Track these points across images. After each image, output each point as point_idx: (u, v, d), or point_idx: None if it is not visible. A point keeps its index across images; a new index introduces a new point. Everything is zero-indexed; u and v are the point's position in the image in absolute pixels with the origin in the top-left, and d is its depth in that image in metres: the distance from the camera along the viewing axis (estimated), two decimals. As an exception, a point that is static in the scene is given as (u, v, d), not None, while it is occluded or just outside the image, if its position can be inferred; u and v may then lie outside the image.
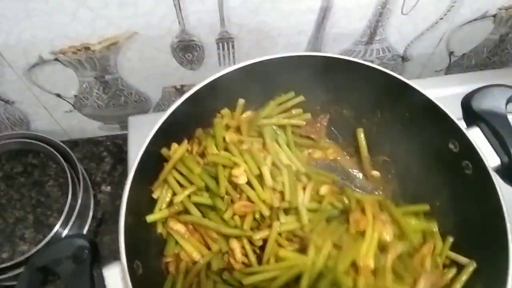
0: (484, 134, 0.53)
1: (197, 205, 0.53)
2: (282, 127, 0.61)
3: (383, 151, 0.64)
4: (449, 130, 0.52)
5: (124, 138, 0.73)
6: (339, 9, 0.67)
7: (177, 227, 0.52)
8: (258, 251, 0.53)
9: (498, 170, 0.50)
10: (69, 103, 0.76)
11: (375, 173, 0.65)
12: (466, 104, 0.56)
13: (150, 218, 0.52)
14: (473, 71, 0.89)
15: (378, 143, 0.64)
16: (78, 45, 0.63)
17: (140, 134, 0.51)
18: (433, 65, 0.88)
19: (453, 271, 0.51)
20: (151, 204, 0.54)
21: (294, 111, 0.62)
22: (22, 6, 0.55)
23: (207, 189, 0.53)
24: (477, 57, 0.88)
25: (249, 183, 0.53)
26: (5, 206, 0.74)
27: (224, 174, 0.53)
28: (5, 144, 0.76)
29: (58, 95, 0.73)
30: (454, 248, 0.52)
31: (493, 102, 0.55)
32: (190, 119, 0.55)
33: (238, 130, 0.58)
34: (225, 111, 0.59)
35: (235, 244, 0.51)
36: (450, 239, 0.53)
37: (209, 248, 0.52)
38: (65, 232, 0.67)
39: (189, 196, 0.53)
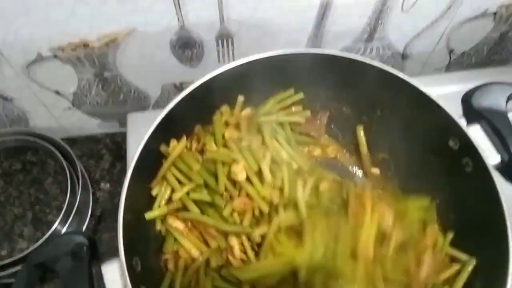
0: (485, 132, 0.53)
1: (196, 202, 0.53)
2: (282, 124, 0.61)
3: (383, 149, 0.64)
4: (449, 128, 0.52)
5: (123, 136, 0.73)
6: (339, 7, 0.67)
7: (176, 224, 0.52)
8: (256, 248, 0.53)
9: (498, 168, 0.50)
10: (68, 100, 0.75)
11: (375, 170, 0.65)
12: (467, 101, 0.56)
13: (149, 215, 0.52)
14: (473, 69, 0.89)
15: (378, 141, 0.64)
16: (77, 41, 0.62)
17: (139, 131, 0.51)
18: (433, 63, 0.88)
19: (455, 268, 0.51)
20: (150, 201, 0.54)
21: (293, 109, 0.62)
22: (20, 2, 0.54)
23: (206, 186, 0.53)
24: (477, 55, 0.88)
25: (248, 179, 0.53)
26: (4, 204, 0.74)
27: (223, 171, 0.52)
28: (4, 141, 0.76)
29: (57, 92, 0.73)
30: (454, 245, 0.52)
31: (493, 100, 0.55)
32: (189, 116, 0.55)
33: (237, 127, 0.58)
34: (225, 108, 0.59)
35: (234, 241, 0.51)
36: (450, 235, 0.52)
37: (208, 245, 0.52)
38: (64, 230, 0.67)
39: (187, 193, 0.53)
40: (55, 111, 0.78)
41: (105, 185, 0.79)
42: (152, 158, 0.53)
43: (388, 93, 0.57)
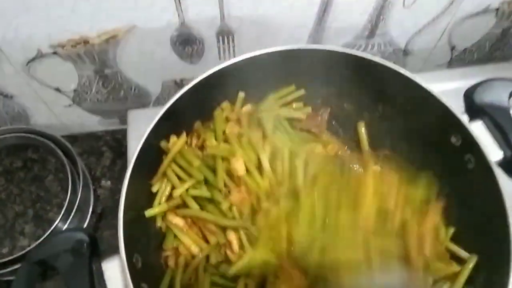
0: (487, 128, 0.52)
1: (196, 198, 0.53)
2: (282, 120, 0.61)
3: (384, 145, 0.63)
4: (451, 124, 0.52)
5: (124, 133, 0.73)
6: (340, 3, 0.66)
7: (175, 220, 0.52)
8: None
9: (500, 164, 0.50)
10: (69, 97, 0.75)
11: (376, 167, 0.64)
12: (469, 97, 0.55)
13: (149, 212, 0.52)
14: (475, 65, 0.88)
15: (379, 137, 0.63)
16: (77, 38, 0.62)
17: (140, 128, 0.51)
18: (435, 60, 0.87)
19: (456, 267, 0.50)
20: (150, 198, 0.54)
21: (294, 105, 0.62)
22: (20, -1, 0.54)
23: (206, 182, 0.53)
24: (479, 52, 0.88)
25: (248, 173, 0.53)
26: (5, 201, 0.74)
27: (223, 166, 0.52)
28: (5, 139, 0.76)
29: (57, 89, 0.73)
30: (456, 241, 0.52)
31: (495, 96, 0.54)
32: (190, 112, 0.55)
33: (238, 123, 0.58)
34: (225, 104, 0.59)
35: (232, 236, 0.51)
36: (451, 229, 0.52)
37: (207, 242, 0.52)
38: (65, 227, 0.67)
39: (187, 189, 0.53)
40: (55, 108, 0.78)
41: (106, 182, 0.79)
42: (152, 155, 0.53)
43: (389, 89, 0.57)
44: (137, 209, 0.50)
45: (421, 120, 0.56)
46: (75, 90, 0.74)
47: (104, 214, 0.76)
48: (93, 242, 0.47)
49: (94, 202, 0.76)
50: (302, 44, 0.73)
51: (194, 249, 0.51)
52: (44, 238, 0.63)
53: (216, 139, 0.55)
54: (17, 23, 0.58)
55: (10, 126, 0.76)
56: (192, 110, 0.55)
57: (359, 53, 0.55)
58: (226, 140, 0.55)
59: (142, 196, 0.53)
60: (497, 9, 0.76)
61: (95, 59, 0.67)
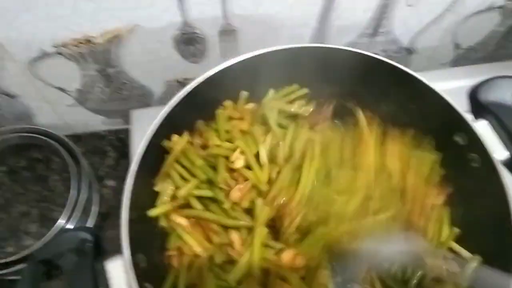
0: (492, 127, 0.52)
1: (199, 197, 0.53)
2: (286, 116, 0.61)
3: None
4: (456, 123, 0.52)
5: (127, 132, 0.73)
6: (343, 1, 0.66)
7: (179, 220, 0.52)
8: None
9: (506, 163, 0.50)
10: (72, 97, 0.75)
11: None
12: (473, 96, 0.55)
13: (152, 212, 0.52)
14: (479, 64, 0.88)
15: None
16: (80, 38, 0.62)
17: (143, 127, 0.51)
18: (439, 58, 0.87)
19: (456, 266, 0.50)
20: (154, 197, 0.54)
21: (297, 104, 0.62)
22: (22, -2, 0.54)
23: (209, 181, 0.53)
24: (483, 50, 0.87)
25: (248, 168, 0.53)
26: (10, 201, 0.74)
27: (224, 164, 0.53)
28: (9, 139, 0.76)
29: (61, 89, 0.73)
30: (460, 241, 0.52)
31: (500, 94, 0.54)
32: (193, 111, 0.55)
33: (241, 121, 0.58)
34: (228, 103, 0.59)
35: (234, 236, 0.50)
36: (456, 230, 0.52)
37: (211, 241, 0.52)
38: (69, 227, 0.67)
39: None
40: (59, 108, 0.78)
41: (110, 182, 0.79)
42: (155, 154, 0.53)
43: (393, 88, 0.57)
44: (141, 209, 0.50)
45: (425, 119, 0.55)
46: (78, 90, 0.74)
47: (108, 213, 0.76)
48: (97, 241, 0.47)
49: (98, 202, 0.76)
50: (305, 42, 0.73)
51: (198, 249, 0.51)
52: (49, 238, 0.63)
53: (218, 138, 0.55)
54: (20, 22, 0.58)
55: (14, 125, 0.77)
56: (195, 109, 0.55)
57: (362, 52, 0.55)
58: (228, 139, 0.55)
59: (146, 195, 0.53)
60: (502, 7, 0.75)
61: (98, 58, 0.67)
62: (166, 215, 0.53)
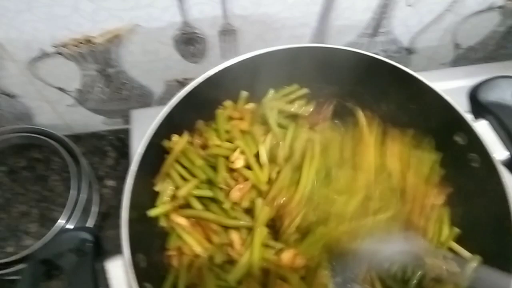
0: (491, 127, 0.52)
1: (199, 197, 0.53)
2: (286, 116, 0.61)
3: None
4: (456, 123, 0.52)
5: (127, 132, 0.73)
6: (343, 1, 0.66)
7: (179, 220, 0.52)
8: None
9: (506, 163, 0.50)
10: (72, 97, 0.75)
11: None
12: (473, 96, 0.55)
13: (152, 212, 0.52)
14: (479, 64, 0.88)
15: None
16: (80, 38, 0.62)
17: (143, 127, 0.51)
18: (439, 58, 0.87)
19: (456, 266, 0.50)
20: (154, 197, 0.54)
21: (297, 104, 0.62)
22: (23, -2, 0.54)
23: (209, 181, 0.53)
24: (483, 50, 0.87)
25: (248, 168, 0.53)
26: (10, 201, 0.74)
27: (223, 164, 0.53)
28: (9, 139, 0.76)
29: (61, 89, 0.73)
30: (459, 241, 0.52)
31: (500, 94, 0.54)
32: (192, 111, 0.55)
33: (241, 120, 0.58)
34: (228, 103, 0.59)
35: (234, 236, 0.50)
36: (456, 230, 0.52)
37: (211, 241, 0.52)
38: (69, 227, 0.67)
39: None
40: (59, 108, 0.78)
41: (110, 182, 0.80)
42: (155, 154, 0.53)
43: (393, 88, 0.57)
44: (141, 209, 0.50)
45: (425, 119, 0.55)
46: (78, 90, 0.74)
47: (107, 213, 0.76)
48: (97, 241, 0.47)
49: (98, 202, 0.76)
50: (305, 42, 0.73)
51: (198, 249, 0.51)
52: (49, 238, 0.63)
53: (218, 138, 0.55)
54: (20, 22, 0.58)
55: (14, 125, 0.77)
56: (195, 109, 0.55)
57: (362, 52, 0.55)
58: (228, 139, 0.55)
59: (146, 195, 0.53)
60: (502, 7, 0.75)
61: (98, 58, 0.67)
62: (166, 215, 0.53)
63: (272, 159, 0.55)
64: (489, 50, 0.88)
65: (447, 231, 0.52)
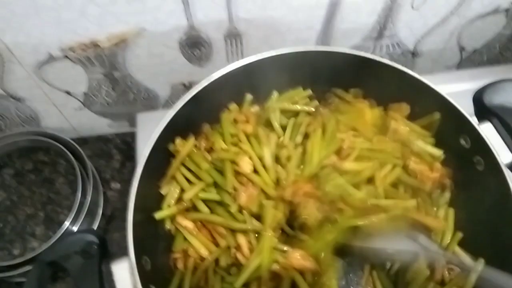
0: (497, 130, 0.52)
1: (205, 200, 0.53)
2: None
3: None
4: (461, 126, 0.52)
5: (133, 135, 0.73)
6: (348, 4, 0.66)
7: (185, 223, 0.52)
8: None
9: (510, 166, 0.50)
10: (79, 100, 0.76)
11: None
12: (478, 99, 0.55)
13: (158, 214, 0.52)
14: (485, 67, 0.88)
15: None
16: (87, 42, 0.63)
17: (149, 131, 0.51)
18: (444, 61, 0.87)
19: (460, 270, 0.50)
20: (159, 200, 0.54)
21: (300, 105, 0.62)
22: (31, 3, 0.55)
23: (215, 184, 0.53)
24: (489, 53, 0.87)
25: (256, 172, 0.53)
26: (16, 203, 0.75)
27: (231, 169, 0.53)
28: (16, 142, 0.77)
29: (68, 93, 0.73)
30: (464, 244, 0.51)
31: (505, 97, 0.54)
32: (198, 115, 0.55)
33: (246, 123, 0.58)
34: (233, 106, 0.59)
35: (242, 240, 0.50)
36: (459, 234, 0.52)
37: (217, 244, 0.52)
38: (75, 229, 0.67)
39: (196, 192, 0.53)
40: (66, 111, 0.78)
41: (116, 185, 0.80)
42: (161, 158, 0.53)
43: (398, 91, 0.57)
44: (146, 211, 0.51)
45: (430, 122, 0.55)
46: (85, 93, 0.75)
47: (113, 216, 0.76)
48: (103, 244, 0.47)
49: (104, 204, 0.76)
50: (310, 46, 0.73)
51: (204, 252, 0.51)
52: (55, 240, 0.63)
53: (224, 142, 0.55)
54: (28, 27, 0.58)
55: (22, 129, 0.77)
56: (200, 112, 0.55)
57: (367, 55, 0.55)
58: (234, 143, 0.56)
59: (151, 198, 0.53)
60: (507, 10, 0.75)
61: (105, 62, 0.68)
62: (172, 217, 0.54)
63: (278, 161, 0.55)
64: (494, 53, 0.87)
65: (451, 235, 0.52)
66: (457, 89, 0.62)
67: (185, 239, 0.53)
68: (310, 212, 0.50)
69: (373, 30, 0.74)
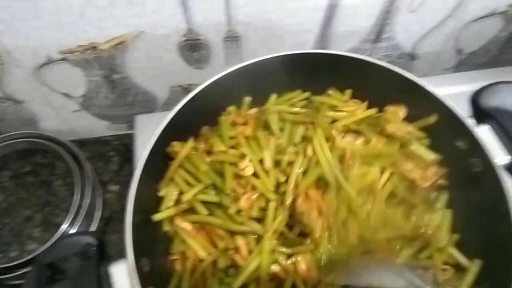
0: (493, 132, 0.52)
1: (204, 202, 0.53)
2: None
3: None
4: (458, 128, 0.52)
5: (131, 138, 0.74)
6: (346, 7, 0.67)
7: (183, 225, 0.52)
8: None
9: (507, 168, 0.50)
10: (77, 102, 0.76)
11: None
12: (475, 101, 0.55)
13: (156, 216, 0.52)
14: (482, 69, 0.88)
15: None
16: (86, 44, 0.63)
17: (147, 133, 0.51)
18: (442, 64, 0.87)
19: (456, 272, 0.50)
20: (158, 202, 0.54)
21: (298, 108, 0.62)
22: (30, 5, 0.55)
23: (214, 186, 0.53)
24: (486, 55, 0.88)
25: (255, 175, 0.53)
26: (14, 205, 0.75)
27: (230, 171, 0.53)
28: (14, 144, 0.77)
29: (66, 95, 0.74)
30: (460, 247, 0.52)
31: (502, 99, 0.55)
32: (197, 117, 0.55)
33: (245, 126, 0.58)
34: (232, 108, 0.59)
35: (241, 241, 0.50)
36: (455, 236, 0.52)
37: (215, 246, 0.52)
38: (72, 231, 0.67)
39: (195, 194, 0.53)
40: (64, 113, 0.78)
41: (114, 187, 0.80)
42: (160, 160, 0.54)
43: (395, 93, 0.57)
44: (145, 213, 0.51)
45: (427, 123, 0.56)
46: (83, 96, 0.75)
47: (111, 218, 0.76)
48: (101, 246, 0.48)
49: (102, 207, 0.76)
50: (308, 49, 0.74)
51: (202, 254, 0.51)
52: (53, 242, 0.63)
53: (223, 144, 0.55)
54: (27, 29, 0.58)
55: (19, 131, 0.77)
56: (199, 115, 0.55)
57: (365, 58, 0.56)
58: (233, 145, 0.56)
59: (150, 200, 0.53)
60: (504, 12, 0.76)
61: (104, 64, 0.68)
62: (170, 219, 0.54)
63: (279, 165, 0.55)
64: (491, 56, 0.88)
65: (447, 236, 0.52)
66: (454, 91, 0.62)
67: (183, 240, 0.53)
68: (314, 221, 0.50)
69: (370, 33, 0.74)
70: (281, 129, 0.58)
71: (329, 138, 0.55)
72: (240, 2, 0.61)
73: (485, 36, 0.82)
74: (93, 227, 0.73)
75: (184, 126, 0.54)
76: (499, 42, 0.84)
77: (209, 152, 0.56)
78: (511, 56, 0.89)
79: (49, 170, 0.78)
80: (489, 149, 0.49)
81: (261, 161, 0.54)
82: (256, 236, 0.51)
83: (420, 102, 0.55)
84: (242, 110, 0.60)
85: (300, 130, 0.56)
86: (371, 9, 0.69)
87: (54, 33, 0.60)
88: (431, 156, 0.54)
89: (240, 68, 0.54)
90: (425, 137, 0.56)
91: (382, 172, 0.53)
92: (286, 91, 0.61)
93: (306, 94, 0.62)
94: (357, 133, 0.57)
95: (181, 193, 0.54)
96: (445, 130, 0.53)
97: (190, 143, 0.55)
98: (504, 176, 0.47)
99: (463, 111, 0.52)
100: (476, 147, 0.50)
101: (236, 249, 0.51)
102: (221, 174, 0.53)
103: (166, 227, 0.54)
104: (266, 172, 0.53)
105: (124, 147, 0.84)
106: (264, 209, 0.52)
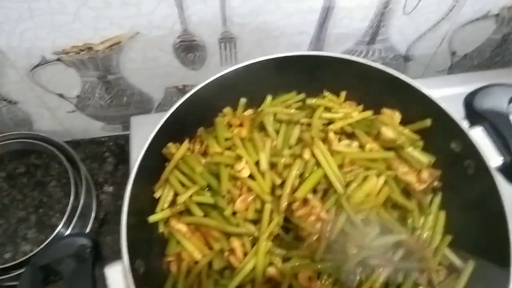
0: (487, 134, 0.53)
1: (199, 204, 0.53)
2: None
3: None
4: (452, 130, 0.52)
5: (126, 139, 0.73)
6: (341, 9, 0.67)
7: (178, 226, 0.52)
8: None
9: (500, 169, 0.50)
10: (72, 103, 0.76)
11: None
12: (469, 103, 0.56)
13: (152, 218, 0.52)
14: (475, 71, 0.89)
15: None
16: (81, 45, 0.63)
17: (143, 134, 0.51)
18: (436, 65, 0.88)
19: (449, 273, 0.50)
20: (153, 203, 0.54)
21: (293, 110, 0.62)
22: (25, 6, 0.55)
23: (209, 188, 0.53)
24: (479, 57, 0.88)
25: (251, 177, 0.53)
26: (8, 207, 0.74)
27: (226, 173, 0.53)
28: (8, 144, 0.76)
29: (61, 96, 0.73)
30: (455, 247, 0.52)
31: (495, 102, 0.55)
32: (192, 118, 0.55)
33: (240, 127, 0.58)
34: (227, 110, 0.60)
35: (236, 243, 0.50)
36: (449, 237, 0.52)
37: (210, 248, 0.52)
38: (67, 233, 0.67)
39: (190, 196, 0.53)
40: (59, 114, 0.78)
41: (109, 188, 0.80)
42: (155, 161, 0.53)
43: (389, 95, 0.57)
44: (140, 215, 0.50)
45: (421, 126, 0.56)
46: (78, 96, 0.74)
47: (106, 219, 0.76)
48: (96, 247, 0.47)
49: (97, 208, 0.76)
50: (303, 50, 0.74)
51: (197, 255, 0.51)
52: (47, 243, 0.63)
53: (218, 145, 0.55)
54: (21, 29, 0.58)
55: (14, 131, 0.77)
56: (194, 116, 0.55)
57: (359, 59, 0.56)
58: (229, 147, 0.56)
59: (145, 201, 0.53)
60: (497, 15, 0.76)
61: (99, 65, 0.68)
62: (165, 221, 0.54)
63: (275, 167, 0.55)
64: (485, 58, 0.89)
65: (441, 237, 0.52)
66: (448, 93, 0.63)
67: (178, 242, 0.53)
68: (311, 226, 0.50)
69: (365, 35, 0.75)
70: (277, 131, 0.58)
71: (325, 141, 0.55)
72: (235, 3, 0.62)
73: (479, 38, 0.83)
74: (88, 229, 0.73)
75: (179, 127, 0.54)
76: (493, 44, 0.85)
77: (204, 154, 0.56)
78: (504, 58, 0.90)
79: (44, 171, 0.77)
80: (482, 150, 0.49)
81: (257, 163, 0.54)
82: (251, 238, 0.51)
83: (414, 104, 0.55)
84: (238, 112, 0.60)
85: (295, 132, 0.56)
86: (366, 12, 0.70)
87: (48, 34, 0.60)
88: (426, 158, 0.54)
89: (236, 69, 0.54)
90: (419, 139, 0.56)
91: (378, 176, 0.53)
92: (282, 93, 0.61)
93: (302, 96, 0.62)
94: (351, 136, 0.58)
95: (176, 194, 0.54)
96: (439, 132, 0.54)
97: (186, 144, 0.55)
98: (497, 177, 0.47)
99: (457, 113, 0.52)
100: (469, 149, 0.50)
101: (232, 251, 0.51)
102: (216, 176, 0.53)
103: (162, 229, 0.53)
104: (262, 174, 0.53)
105: (119, 148, 0.84)
106: (259, 211, 0.52)
